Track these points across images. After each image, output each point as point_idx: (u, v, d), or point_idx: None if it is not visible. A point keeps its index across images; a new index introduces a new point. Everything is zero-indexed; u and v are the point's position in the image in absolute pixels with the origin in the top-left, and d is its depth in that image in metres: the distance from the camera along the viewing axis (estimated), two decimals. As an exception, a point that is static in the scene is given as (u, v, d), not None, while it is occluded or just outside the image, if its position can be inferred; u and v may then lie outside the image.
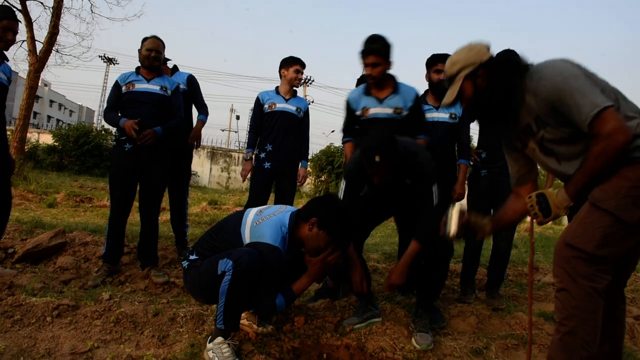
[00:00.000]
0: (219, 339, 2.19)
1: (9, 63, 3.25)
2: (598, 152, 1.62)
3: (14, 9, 3.22)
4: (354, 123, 3.31)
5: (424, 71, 3.59)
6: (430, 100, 3.55)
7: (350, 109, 3.28)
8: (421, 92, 3.44)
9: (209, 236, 2.49)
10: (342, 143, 3.44)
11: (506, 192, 3.38)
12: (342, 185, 2.73)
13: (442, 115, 3.48)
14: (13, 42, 3.16)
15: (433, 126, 3.47)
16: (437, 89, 3.50)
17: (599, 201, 1.66)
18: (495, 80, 1.86)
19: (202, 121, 4.16)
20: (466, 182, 3.64)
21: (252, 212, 2.45)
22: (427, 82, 3.57)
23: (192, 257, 2.42)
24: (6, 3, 11.11)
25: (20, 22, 3.21)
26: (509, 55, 1.91)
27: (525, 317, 2.87)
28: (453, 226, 2.05)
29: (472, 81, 1.90)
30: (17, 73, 15.06)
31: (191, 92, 4.09)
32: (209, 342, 2.22)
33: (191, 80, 4.11)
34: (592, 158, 1.64)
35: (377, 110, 3.16)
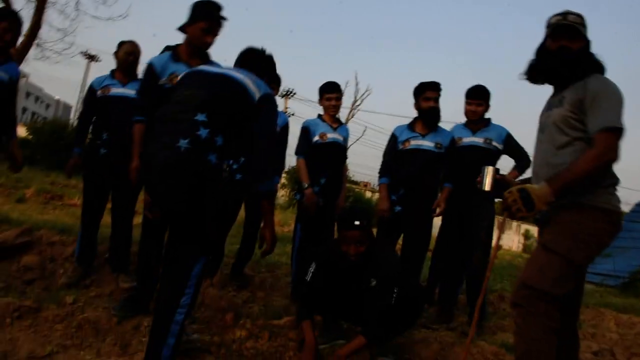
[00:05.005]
0: None
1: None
2: (593, 155, 1.79)
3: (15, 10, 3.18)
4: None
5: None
6: (417, 128, 3.61)
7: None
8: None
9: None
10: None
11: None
12: (312, 268, 2.63)
13: (427, 144, 3.53)
14: (13, 43, 3.17)
15: (418, 154, 3.55)
16: (426, 116, 3.56)
17: (552, 244, 1.83)
18: (587, 50, 2.04)
19: None
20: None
21: None
22: (417, 110, 3.62)
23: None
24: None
25: (22, 23, 3.18)
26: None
27: (488, 347, 2.91)
28: (488, 182, 2.23)
29: (578, 37, 2.04)
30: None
31: None
32: None
33: None
34: (584, 159, 1.81)
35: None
